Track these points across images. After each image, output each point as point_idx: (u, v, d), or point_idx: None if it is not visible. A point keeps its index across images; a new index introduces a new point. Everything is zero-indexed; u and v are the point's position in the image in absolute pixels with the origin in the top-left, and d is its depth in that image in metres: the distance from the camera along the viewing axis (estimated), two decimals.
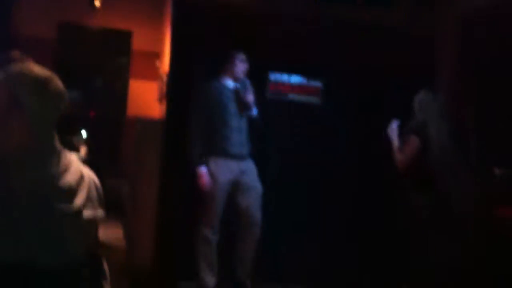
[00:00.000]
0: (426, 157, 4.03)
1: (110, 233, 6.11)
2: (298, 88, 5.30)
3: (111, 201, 6.11)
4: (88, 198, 1.76)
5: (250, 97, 4.36)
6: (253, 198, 4.42)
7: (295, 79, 5.30)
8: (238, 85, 4.41)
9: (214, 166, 4.31)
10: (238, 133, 4.38)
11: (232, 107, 4.38)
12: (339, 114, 5.21)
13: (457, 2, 5.51)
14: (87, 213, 1.75)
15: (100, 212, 1.84)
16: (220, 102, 4.36)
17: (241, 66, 4.42)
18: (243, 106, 4.38)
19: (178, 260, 4.83)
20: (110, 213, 6.05)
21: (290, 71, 5.20)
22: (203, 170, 4.27)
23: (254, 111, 4.43)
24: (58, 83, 1.79)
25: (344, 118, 5.19)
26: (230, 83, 4.44)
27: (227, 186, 4.35)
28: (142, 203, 5.16)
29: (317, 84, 5.34)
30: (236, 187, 4.39)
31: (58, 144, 1.76)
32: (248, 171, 4.42)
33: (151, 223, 5.03)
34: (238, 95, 4.39)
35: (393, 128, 4.19)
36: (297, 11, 5.52)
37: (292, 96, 5.22)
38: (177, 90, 4.96)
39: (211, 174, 4.30)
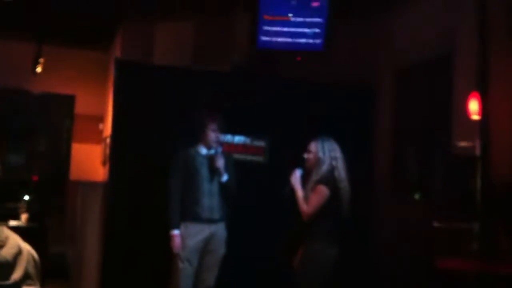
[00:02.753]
0: (336, 205, 4.03)
1: None
2: (242, 147, 5.40)
3: (56, 266, 5.98)
4: (26, 273, 1.75)
5: (220, 163, 4.50)
6: (213, 261, 4.52)
7: (239, 139, 5.40)
8: (210, 152, 4.57)
9: (184, 229, 4.43)
10: (209, 197, 4.50)
11: (204, 172, 4.53)
12: (283, 172, 5.30)
13: (394, 58, 5.79)
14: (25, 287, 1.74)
15: (38, 287, 1.83)
16: (193, 167, 4.52)
17: (213, 135, 4.59)
18: (213, 171, 4.52)
19: None
20: (56, 279, 5.91)
21: (234, 132, 5.30)
22: (175, 233, 4.40)
23: (225, 177, 4.55)
24: None
25: (288, 175, 5.26)
26: (203, 150, 4.60)
27: (197, 250, 4.44)
28: (87, 267, 5.09)
29: (260, 143, 5.45)
30: (203, 249, 4.48)
31: None
32: (217, 235, 4.52)
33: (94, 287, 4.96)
34: (209, 161, 4.53)
35: (297, 177, 4.15)
36: (234, 71, 5.69)
37: (237, 156, 5.30)
38: (120, 153, 4.98)
39: (182, 238, 4.41)
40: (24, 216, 6.12)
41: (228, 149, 5.18)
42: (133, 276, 4.83)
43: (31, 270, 1.80)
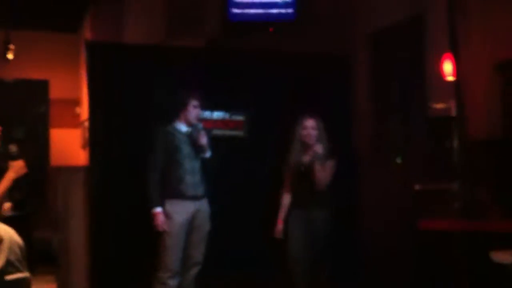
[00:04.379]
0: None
1: (44, 287, 5.96)
2: (221, 123, 5.39)
3: (42, 253, 5.94)
4: (9, 262, 1.74)
5: (204, 140, 4.49)
6: (199, 237, 4.51)
7: (218, 114, 5.38)
8: (191, 129, 4.53)
9: (169, 207, 4.39)
10: (192, 175, 4.47)
11: (186, 150, 4.49)
12: (263, 145, 5.32)
13: (367, 22, 5.78)
14: (9, 276, 1.73)
15: (25, 274, 1.82)
16: (174, 146, 4.47)
17: (194, 112, 4.54)
18: (197, 149, 4.50)
19: None
20: (43, 265, 5.88)
21: (212, 107, 5.28)
22: (158, 210, 4.35)
23: (208, 153, 4.54)
24: None
25: (268, 149, 5.28)
26: (183, 127, 4.56)
27: (183, 226, 4.42)
28: (74, 252, 5.08)
29: (239, 117, 5.44)
30: (188, 226, 4.47)
31: None
32: (201, 211, 4.51)
33: (83, 271, 4.96)
34: (192, 138, 4.51)
35: (321, 150, 4.48)
36: (209, 45, 5.64)
37: (216, 132, 5.30)
38: (99, 136, 4.95)
39: (167, 215, 4.38)
40: (7, 205, 6.07)
41: (208, 125, 5.16)
42: (121, 257, 4.83)
43: (14, 257, 1.78)
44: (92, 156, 4.96)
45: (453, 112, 4.42)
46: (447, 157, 4.36)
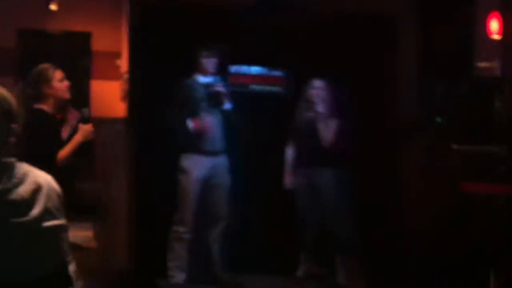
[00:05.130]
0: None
1: (84, 235, 6.10)
2: (260, 78, 5.34)
3: (85, 203, 6.10)
4: (47, 208, 1.77)
5: (219, 88, 4.44)
6: (220, 193, 4.49)
7: (256, 69, 5.33)
8: (210, 81, 4.47)
9: (187, 162, 4.36)
10: (211, 128, 4.42)
11: (205, 103, 4.42)
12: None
13: None
14: (47, 223, 1.76)
15: (62, 221, 1.85)
16: (193, 98, 4.42)
17: (206, 62, 4.48)
18: (216, 100, 4.44)
19: (154, 258, 4.87)
20: (84, 215, 6.02)
21: (251, 62, 5.24)
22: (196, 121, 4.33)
23: (228, 105, 4.47)
24: (5, 102, 1.77)
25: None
26: (202, 79, 4.50)
27: (200, 182, 4.39)
28: (116, 203, 5.19)
29: (278, 73, 5.38)
30: (207, 183, 4.42)
31: (8, 158, 1.76)
32: (219, 167, 4.47)
33: (125, 223, 5.07)
34: (210, 90, 4.44)
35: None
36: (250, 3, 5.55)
37: (254, 87, 5.27)
38: (138, 88, 4.98)
39: (185, 170, 4.36)
40: None
41: (246, 80, 5.14)
42: (161, 206, 4.89)
43: (52, 205, 1.81)
44: (131, 108, 5.01)
45: (498, 72, 4.30)
46: (493, 118, 4.26)
